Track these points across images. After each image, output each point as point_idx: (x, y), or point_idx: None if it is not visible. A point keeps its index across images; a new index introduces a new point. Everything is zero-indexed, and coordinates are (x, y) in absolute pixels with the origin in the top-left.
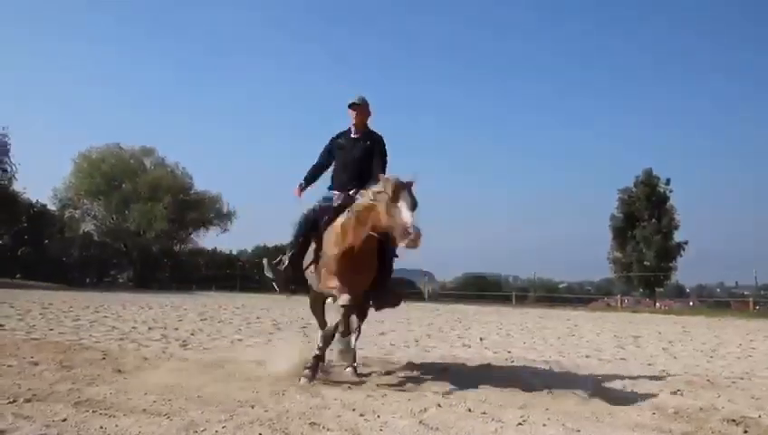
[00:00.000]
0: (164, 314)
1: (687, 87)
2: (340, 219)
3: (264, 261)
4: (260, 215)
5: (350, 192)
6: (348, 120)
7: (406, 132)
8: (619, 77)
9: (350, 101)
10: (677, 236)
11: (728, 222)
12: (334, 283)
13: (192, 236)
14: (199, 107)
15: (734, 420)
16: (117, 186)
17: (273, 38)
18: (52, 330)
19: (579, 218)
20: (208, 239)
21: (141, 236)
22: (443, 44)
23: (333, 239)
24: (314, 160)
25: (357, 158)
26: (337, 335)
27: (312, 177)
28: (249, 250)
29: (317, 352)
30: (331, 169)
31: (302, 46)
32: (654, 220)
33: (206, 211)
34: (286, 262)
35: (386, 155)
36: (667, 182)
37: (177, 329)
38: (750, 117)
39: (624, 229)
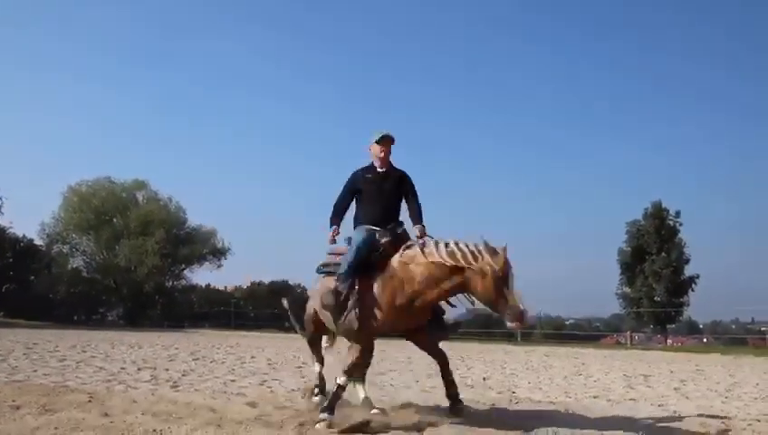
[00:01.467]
0: (154, 354)
1: (699, 117)
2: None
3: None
4: (256, 251)
5: (391, 229)
6: (367, 157)
7: (415, 170)
8: (624, 108)
9: (381, 136)
10: (688, 271)
11: (743, 256)
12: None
13: (185, 271)
14: (197, 141)
15: None
16: (107, 220)
17: (273, 73)
18: (35, 371)
19: (586, 253)
20: (202, 275)
21: (132, 272)
22: (445, 79)
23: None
24: (335, 199)
25: (389, 194)
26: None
27: (339, 216)
28: (244, 286)
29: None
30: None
31: (304, 83)
32: (663, 254)
33: (199, 247)
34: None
35: (417, 194)
36: (677, 214)
37: (167, 369)
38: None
39: (633, 264)
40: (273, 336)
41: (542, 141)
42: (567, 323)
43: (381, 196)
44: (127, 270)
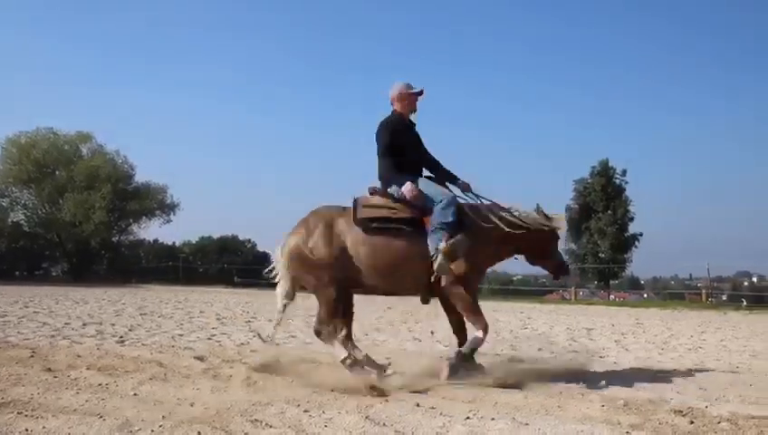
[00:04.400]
0: (100, 309)
1: (644, 76)
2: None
3: None
4: (206, 205)
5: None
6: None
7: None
8: (577, 65)
9: (419, 89)
10: (632, 228)
11: (683, 215)
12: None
13: (132, 226)
14: (150, 95)
15: (681, 411)
16: (49, 173)
17: (235, 15)
18: None
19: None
20: (150, 230)
21: (77, 227)
22: (399, 35)
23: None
24: (392, 153)
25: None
26: None
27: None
28: (193, 241)
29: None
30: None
31: (270, 31)
32: (609, 212)
33: (148, 202)
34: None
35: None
36: (623, 173)
37: (113, 324)
38: (707, 111)
39: (579, 221)
40: (222, 291)
41: (491, 91)
42: (514, 278)
43: (422, 151)
44: (72, 225)
